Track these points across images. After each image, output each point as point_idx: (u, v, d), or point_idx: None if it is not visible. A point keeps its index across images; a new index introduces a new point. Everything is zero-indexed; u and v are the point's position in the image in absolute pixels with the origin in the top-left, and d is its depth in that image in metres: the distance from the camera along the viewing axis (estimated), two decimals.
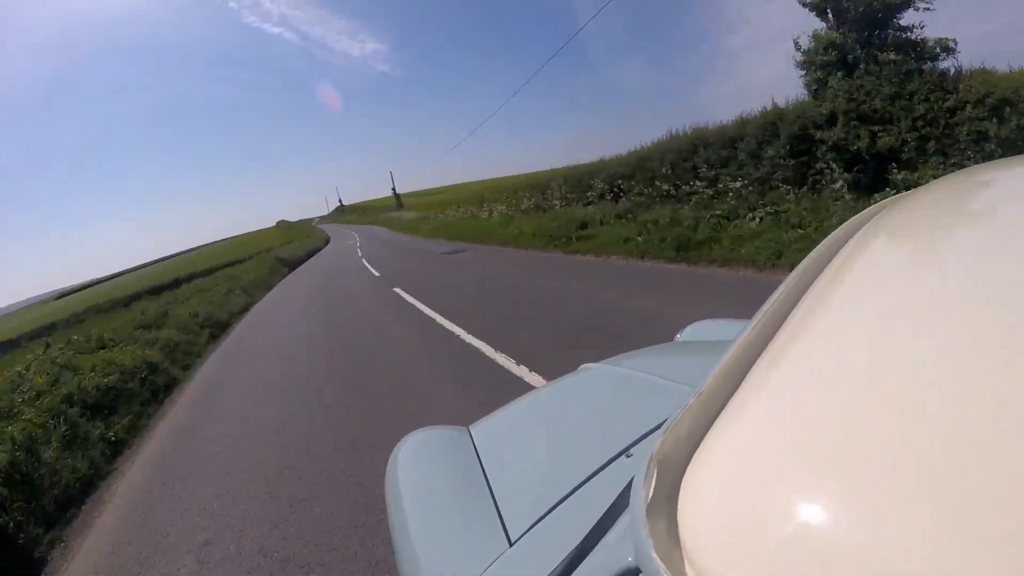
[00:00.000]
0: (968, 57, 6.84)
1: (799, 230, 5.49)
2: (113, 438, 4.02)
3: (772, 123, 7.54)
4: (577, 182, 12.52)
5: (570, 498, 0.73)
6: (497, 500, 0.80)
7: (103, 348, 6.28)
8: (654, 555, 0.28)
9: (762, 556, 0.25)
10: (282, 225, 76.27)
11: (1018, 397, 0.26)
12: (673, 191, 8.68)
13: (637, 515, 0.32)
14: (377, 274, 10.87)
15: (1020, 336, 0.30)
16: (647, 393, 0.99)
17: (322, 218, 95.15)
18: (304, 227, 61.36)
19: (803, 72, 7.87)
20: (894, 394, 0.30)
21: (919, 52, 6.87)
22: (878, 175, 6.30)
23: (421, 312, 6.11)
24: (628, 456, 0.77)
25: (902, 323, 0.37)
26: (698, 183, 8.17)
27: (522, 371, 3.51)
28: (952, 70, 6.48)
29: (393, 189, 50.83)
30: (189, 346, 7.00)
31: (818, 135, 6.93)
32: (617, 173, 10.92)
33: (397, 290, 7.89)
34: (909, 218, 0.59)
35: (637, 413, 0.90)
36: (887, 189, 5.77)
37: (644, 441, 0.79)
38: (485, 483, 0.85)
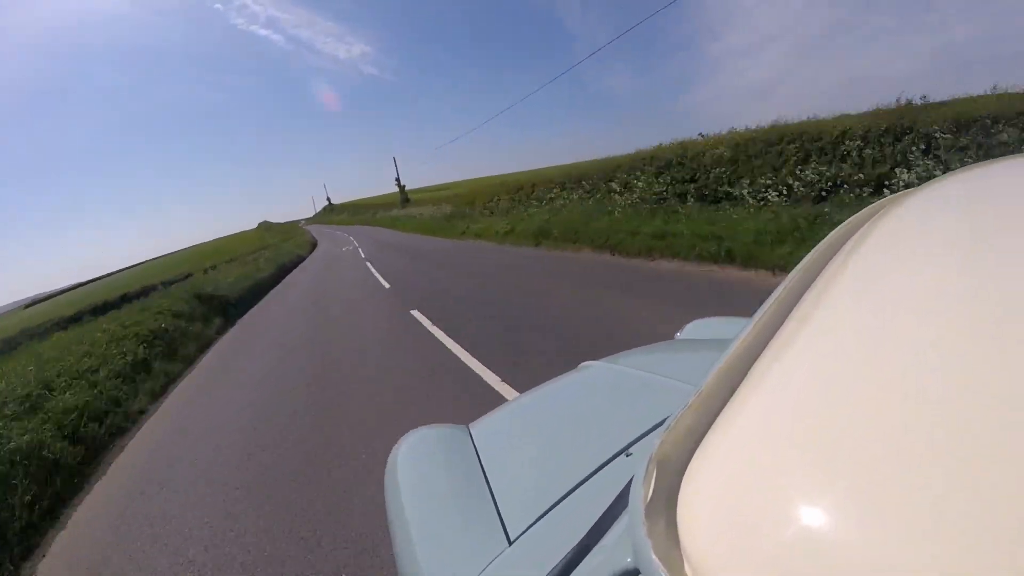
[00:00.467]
0: None
1: None
2: None
3: None
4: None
5: (569, 497, 0.72)
6: (496, 499, 0.79)
7: None
8: (653, 556, 0.28)
9: (762, 557, 0.25)
10: (263, 226, 67.84)
11: (1018, 395, 0.26)
12: None
13: (636, 515, 0.31)
14: None
15: (1019, 335, 0.30)
16: (647, 391, 0.99)
17: (308, 220, 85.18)
18: (287, 228, 53.09)
19: None
20: (894, 394, 0.30)
21: None
22: None
23: None
24: (628, 455, 0.77)
25: (902, 323, 0.36)
26: None
27: None
28: None
29: (397, 180, 39.04)
30: None
31: None
32: None
33: None
34: (908, 217, 0.58)
35: (637, 412, 0.90)
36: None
37: (644, 440, 0.79)
38: (484, 482, 0.84)
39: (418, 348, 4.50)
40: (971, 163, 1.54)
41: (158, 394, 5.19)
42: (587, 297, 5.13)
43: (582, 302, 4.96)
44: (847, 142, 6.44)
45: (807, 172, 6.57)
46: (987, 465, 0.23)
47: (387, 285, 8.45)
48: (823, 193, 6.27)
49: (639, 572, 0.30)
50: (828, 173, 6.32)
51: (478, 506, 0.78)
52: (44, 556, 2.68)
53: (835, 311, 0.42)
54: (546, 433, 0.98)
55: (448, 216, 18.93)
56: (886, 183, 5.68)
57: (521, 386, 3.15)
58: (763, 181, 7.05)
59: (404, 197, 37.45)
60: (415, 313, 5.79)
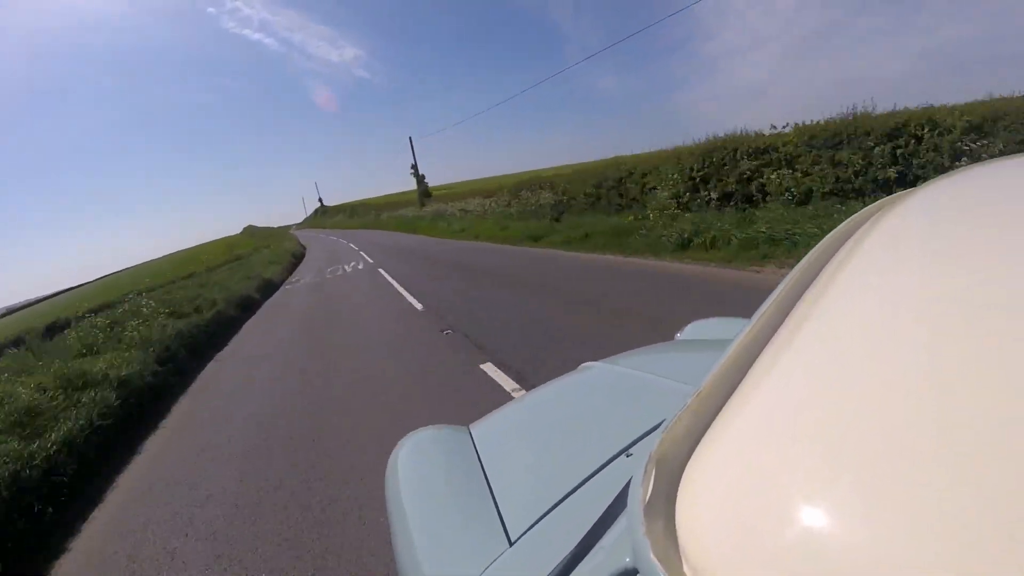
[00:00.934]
0: None
1: None
2: None
3: None
4: None
5: (570, 498, 0.72)
6: (497, 499, 0.79)
7: None
8: (651, 556, 0.28)
9: (761, 556, 0.25)
10: (248, 231, 62.04)
11: (1017, 393, 0.25)
12: None
13: (635, 516, 0.31)
14: None
15: (1019, 333, 0.29)
16: (647, 392, 0.99)
17: (298, 225, 76.11)
18: (274, 233, 47.35)
19: None
20: (894, 394, 0.29)
21: None
22: None
23: None
24: (628, 455, 0.77)
25: (902, 322, 0.36)
26: None
27: None
28: None
29: (414, 166, 29.18)
30: None
31: None
32: None
33: None
34: (907, 217, 0.58)
35: (637, 412, 0.90)
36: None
37: (644, 440, 0.79)
38: (485, 482, 0.84)
39: None
40: None
41: None
42: None
43: None
44: None
45: None
46: (988, 463, 0.23)
47: None
48: None
49: (638, 572, 0.29)
50: None
51: (479, 507, 0.78)
52: None
53: (834, 311, 0.42)
54: (547, 434, 0.98)
55: (500, 216, 12.57)
56: None
57: None
58: None
59: (425, 194, 27.99)
60: None
